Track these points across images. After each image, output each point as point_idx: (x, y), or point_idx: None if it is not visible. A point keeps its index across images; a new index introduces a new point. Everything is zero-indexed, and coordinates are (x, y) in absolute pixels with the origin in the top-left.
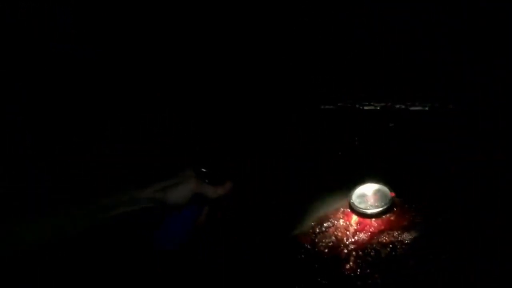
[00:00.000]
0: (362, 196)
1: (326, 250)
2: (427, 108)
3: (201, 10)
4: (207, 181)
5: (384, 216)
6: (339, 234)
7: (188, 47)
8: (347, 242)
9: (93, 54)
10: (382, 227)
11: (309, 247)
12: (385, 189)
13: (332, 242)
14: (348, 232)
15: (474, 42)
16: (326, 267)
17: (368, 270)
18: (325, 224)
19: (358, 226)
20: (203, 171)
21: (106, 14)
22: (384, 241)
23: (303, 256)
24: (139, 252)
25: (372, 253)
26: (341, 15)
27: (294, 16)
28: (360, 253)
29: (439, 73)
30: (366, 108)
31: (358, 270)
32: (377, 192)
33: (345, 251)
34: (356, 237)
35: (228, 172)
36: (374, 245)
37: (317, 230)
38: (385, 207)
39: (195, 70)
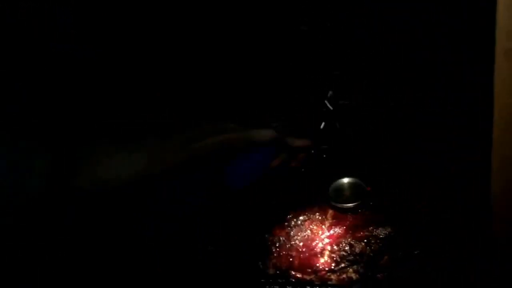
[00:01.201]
0: (339, 190)
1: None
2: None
3: (202, 10)
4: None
5: (359, 211)
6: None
7: (189, 47)
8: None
9: (93, 54)
10: (358, 222)
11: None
12: (361, 183)
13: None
14: (323, 226)
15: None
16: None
17: (342, 264)
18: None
19: (334, 220)
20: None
21: (106, 14)
22: (359, 235)
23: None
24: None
25: (346, 248)
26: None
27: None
28: (335, 247)
29: (439, 73)
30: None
31: (333, 264)
32: (353, 186)
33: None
34: (331, 231)
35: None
36: (349, 240)
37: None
38: (359, 201)
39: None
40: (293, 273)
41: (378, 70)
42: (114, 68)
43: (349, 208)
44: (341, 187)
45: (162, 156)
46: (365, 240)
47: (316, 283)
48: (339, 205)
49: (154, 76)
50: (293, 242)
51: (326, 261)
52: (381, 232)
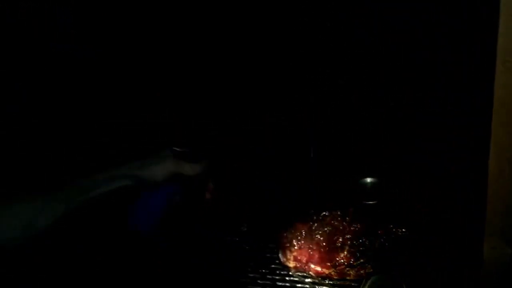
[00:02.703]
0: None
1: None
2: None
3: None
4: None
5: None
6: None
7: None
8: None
9: (93, 54)
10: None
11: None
12: (381, 183)
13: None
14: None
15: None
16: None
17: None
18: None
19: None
20: (179, 150)
21: (106, 14)
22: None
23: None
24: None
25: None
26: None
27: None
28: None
29: (439, 73)
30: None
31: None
32: (375, 185)
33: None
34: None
35: (205, 151)
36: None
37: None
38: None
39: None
40: (313, 266)
41: (378, 70)
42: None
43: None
44: (365, 185)
45: (52, 208)
46: (384, 237)
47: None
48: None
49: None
50: (314, 237)
51: (345, 256)
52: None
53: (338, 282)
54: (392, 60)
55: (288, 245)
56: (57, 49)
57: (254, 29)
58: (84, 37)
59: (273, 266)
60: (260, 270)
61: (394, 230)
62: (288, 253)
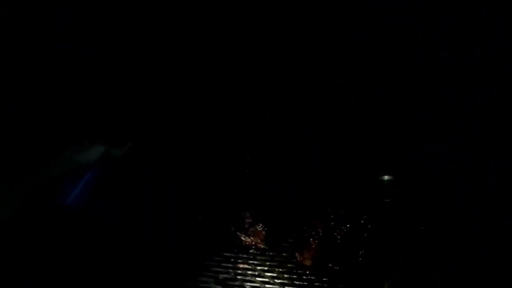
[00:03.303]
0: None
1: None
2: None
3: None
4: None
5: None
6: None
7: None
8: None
9: (93, 54)
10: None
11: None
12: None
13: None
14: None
15: (474, 43)
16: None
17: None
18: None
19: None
20: (108, 135)
21: (106, 14)
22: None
23: None
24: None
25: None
26: (341, 15)
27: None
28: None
29: (439, 73)
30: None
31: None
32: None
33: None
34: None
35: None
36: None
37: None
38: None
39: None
40: (330, 265)
41: (378, 70)
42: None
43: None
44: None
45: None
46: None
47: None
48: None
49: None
50: (330, 235)
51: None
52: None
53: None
54: (392, 60)
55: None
56: (57, 49)
57: (254, 29)
58: (84, 37)
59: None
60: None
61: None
62: (305, 252)
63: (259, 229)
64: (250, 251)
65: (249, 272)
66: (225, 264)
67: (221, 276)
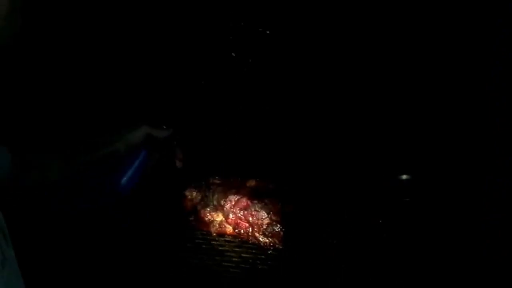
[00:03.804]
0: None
1: None
2: None
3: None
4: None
5: None
6: None
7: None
8: None
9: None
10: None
11: None
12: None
13: None
14: None
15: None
16: None
17: None
18: None
19: None
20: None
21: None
22: None
23: None
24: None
25: None
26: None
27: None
28: None
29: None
30: None
31: None
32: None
33: None
34: None
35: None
36: None
37: None
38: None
39: None
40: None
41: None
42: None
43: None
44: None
45: (74, 162)
46: None
47: None
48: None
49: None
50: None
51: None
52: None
53: None
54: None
55: None
56: None
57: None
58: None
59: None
60: None
61: None
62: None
63: (277, 230)
64: (269, 252)
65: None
66: (243, 266)
67: (239, 277)
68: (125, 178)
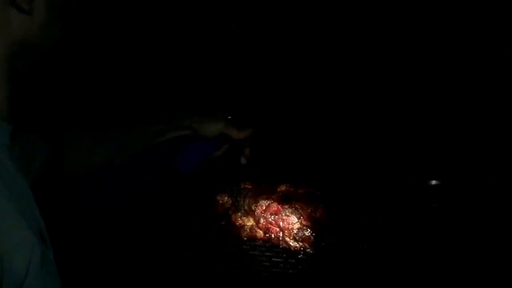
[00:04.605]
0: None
1: None
2: None
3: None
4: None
5: None
6: None
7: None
8: None
9: None
10: None
11: None
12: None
13: None
14: None
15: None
16: None
17: None
18: None
19: None
20: (229, 117)
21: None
22: None
23: None
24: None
25: None
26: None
27: None
28: None
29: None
30: None
31: None
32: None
33: None
34: None
35: (251, 120)
36: None
37: None
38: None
39: None
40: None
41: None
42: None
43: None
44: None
45: (130, 145)
46: None
47: None
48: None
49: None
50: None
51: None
52: None
53: None
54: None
55: None
56: None
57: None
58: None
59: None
60: None
61: None
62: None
63: (307, 235)
64: (299, 256)
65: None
66: (273, 270)
67: (270, 281)
68: (186, 160)
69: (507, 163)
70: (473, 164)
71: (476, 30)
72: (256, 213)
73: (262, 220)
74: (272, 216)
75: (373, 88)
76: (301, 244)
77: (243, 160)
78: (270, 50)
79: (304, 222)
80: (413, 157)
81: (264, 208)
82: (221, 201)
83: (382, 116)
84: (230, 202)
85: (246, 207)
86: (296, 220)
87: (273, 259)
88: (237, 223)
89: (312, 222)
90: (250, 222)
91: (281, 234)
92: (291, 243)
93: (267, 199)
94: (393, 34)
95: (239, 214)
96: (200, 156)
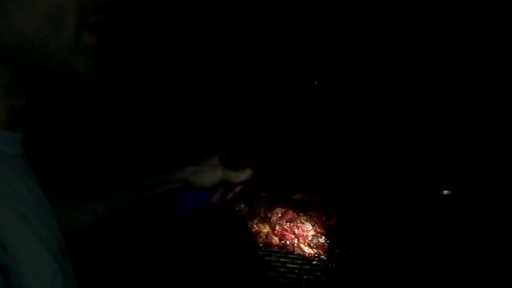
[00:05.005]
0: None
1: None
2: None
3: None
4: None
5: None
6: None
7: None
8: None
9: None
10: None
11: None
12: None
13: None
14: None
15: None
16: None
17: None
18: None
19: None
20: (226, 157)
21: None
22: None
23: None
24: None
25: None
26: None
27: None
28: None
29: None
30: None
31: None
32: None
33: None
34: None
35: (249, 158)
36: None
37: None
38: None
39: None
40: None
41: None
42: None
43: None
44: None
45: (121, 204)
46: None
47: None
48: None
49: None
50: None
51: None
52: None
53: None
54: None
55: None
56: None
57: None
58: None
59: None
60: None
61: None
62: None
63: (322, 242)
64: (314, 262)
65: (312, 283)
66: (288, 275)
67: (285, 286)
68: (185, 205)
69: (507, 163)
70: (473, 164)
71: (476, 30)
72: (272, 220)
73: (277, 227)
74: (288, 223)
75: (373, 88)
76: (315, 250)
77: (230, 195)
78: (270, 50)
79: (318, 230)
80: (413, 157)
81: (280, 215)
82: (237, 209)
83: (382, 116)
84: (246, 209)
85: (262, 215)
86: (310, 227)
87: (288, 265)
88: (253, 230)
89: (326, 229)
90: (266, 229)
91: (296, 241)
92: (305, 250)
93: (283, 206)
94: (393, 34)
95: (255, 221)
96: (200, 202)
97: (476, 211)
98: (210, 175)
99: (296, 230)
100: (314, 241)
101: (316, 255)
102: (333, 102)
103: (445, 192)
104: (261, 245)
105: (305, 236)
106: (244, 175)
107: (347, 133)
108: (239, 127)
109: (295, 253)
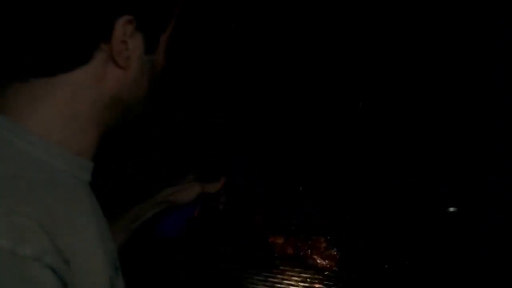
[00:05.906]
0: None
1: None
2: None
3: None
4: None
5: None
6: None
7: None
8: None
9: None
10: None
11: None
12: None
13: None
14: None
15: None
16: None
17: None
18: None
19: None
20: (200, 171)
21: None
22: None
23: None
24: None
25: None
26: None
27: None
28: None
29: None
30: None
31: None
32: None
33: None
34: None
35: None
36: None
37: None
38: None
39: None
40: None
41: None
42: None
43: None
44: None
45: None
46: None
47: None
48: None
49: None
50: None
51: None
52: None
53: None
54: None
55: None
56: None
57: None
58: None
59: None
60: None
61: None
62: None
63: (333, 253)
64: (325, 273)
65: None
66: (302, 284)
67: None
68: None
69: (507, 163)
70: (473, 164)
71: (476, 30)
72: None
73: (292, 238)
74: (302, 235)
75: (373, 88)
76: (327, 262)
77: (221, 206)
78: (270, 50)
79: (330, 242)
80: (413, 157)
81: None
82: (254, 219)
83: (382, 116)
84: (261, 220)
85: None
86: (323, 239)
87: (301, 274)
88: (269, 241)
89: (338, 242)
90: (281, 240)
91: (309, 252)
92: (318, 261)
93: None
94: (393, 34)
95: (271, 232)
96: (185, 217)
97: (476, 211)
98: (189, 191)
99: (309, 242)
100: (326, 252)
101: (327, 266)
102: (333, 102)
103: (451, 209)
104: (276, 255)
105: (318, 247)
106: (219, 184)
107: (347, 133)
108: (239, 127)
109: (308, 263)
